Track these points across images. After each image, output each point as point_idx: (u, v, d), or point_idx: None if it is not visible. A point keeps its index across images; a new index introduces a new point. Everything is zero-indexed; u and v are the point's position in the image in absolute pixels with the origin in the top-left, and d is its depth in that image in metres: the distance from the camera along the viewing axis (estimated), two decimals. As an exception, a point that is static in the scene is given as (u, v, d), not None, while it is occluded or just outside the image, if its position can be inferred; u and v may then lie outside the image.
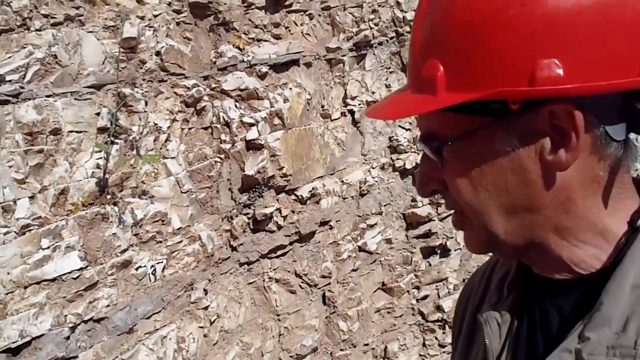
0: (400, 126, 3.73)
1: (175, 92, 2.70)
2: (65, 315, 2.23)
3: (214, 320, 2.80)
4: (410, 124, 3.75)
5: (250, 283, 3.03)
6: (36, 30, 2.26)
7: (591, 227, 0.77)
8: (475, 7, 0.72)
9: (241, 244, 2.96)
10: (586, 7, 0.68)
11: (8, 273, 2.09)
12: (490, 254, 0.90)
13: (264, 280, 3.07)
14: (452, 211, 0.87)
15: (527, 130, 0.73)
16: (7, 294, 2.08)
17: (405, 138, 3.71)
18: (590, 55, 0.68)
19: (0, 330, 2.04)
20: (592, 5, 0.68)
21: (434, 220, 3.89)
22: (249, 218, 2.98)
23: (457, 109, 0.74)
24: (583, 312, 0.76)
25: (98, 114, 2.44)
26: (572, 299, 0.80)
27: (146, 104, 2.59)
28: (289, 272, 3.19)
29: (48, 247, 2.22)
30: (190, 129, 2.78)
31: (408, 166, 3.72)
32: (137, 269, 2.50)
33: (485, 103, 0.73)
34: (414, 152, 3.76)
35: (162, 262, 2.60)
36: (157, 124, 2.63)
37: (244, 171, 2.92)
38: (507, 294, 0.88)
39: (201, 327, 2.74)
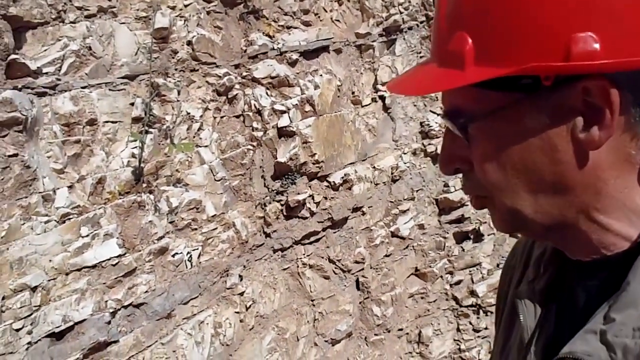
0: (431, 111, 3.71)
1: (207, 81, 2.73)
2: (106, 301, 2.28)
3: (250, 306, 2.84)
4: (441, 108, 3.72)
5: (285, 269, 3.06)
6: (70, 22, 2.30)
7: (622, 207, 0.73)
8: None
9: (275, 231, 2.99)
10: None
11: (50, 260, 2.14)
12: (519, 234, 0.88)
13: (297, 266, 3.10)
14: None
15: (559, 107, 0.69)
16: (49, 280, 2.13)
17: (436, 123, 3.69)
18: (629, 28, 0.64)
19: (45, 315, 2.10)
20: None
21: (467, 205, 3.87)
22: (282, 205, 3.00)
23: (485, 85, 0.70)
24: (609, 293, 0.73)
25: (132, 104, 2.48)
26: (599, 280, 0.77)
27: (179, 93, 2.62)
28: (323, 258, 3.21)
29: (87, 235, 2.26)
30: (222, 117, 2.81)
31: (440, 151, 3.70)
32: (173, 256, 2.54)
33: (516, 79, 0.69)
34: (446, 136, 3.74)
35: (197, 249, 2.64)
36: (189, 113, 2.66)
37: (276, 158, 2.94)
38: (543, 272, 0.86)
39: (237, 313, 2.78)
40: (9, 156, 2.10)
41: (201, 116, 2.70)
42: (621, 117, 0.68)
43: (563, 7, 0.65)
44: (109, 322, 2.28)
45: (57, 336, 2.14)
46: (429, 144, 3.71)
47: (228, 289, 2.76)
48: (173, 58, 2.60)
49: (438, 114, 3.72)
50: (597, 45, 0.64)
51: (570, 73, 0.66)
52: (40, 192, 2.17)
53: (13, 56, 2.10)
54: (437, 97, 3.70)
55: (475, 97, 0.73)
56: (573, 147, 0.70)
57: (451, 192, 3.79)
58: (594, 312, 0.74)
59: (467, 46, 0.71)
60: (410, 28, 3.57)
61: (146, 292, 2.41)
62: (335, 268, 3.26)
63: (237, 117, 2.86)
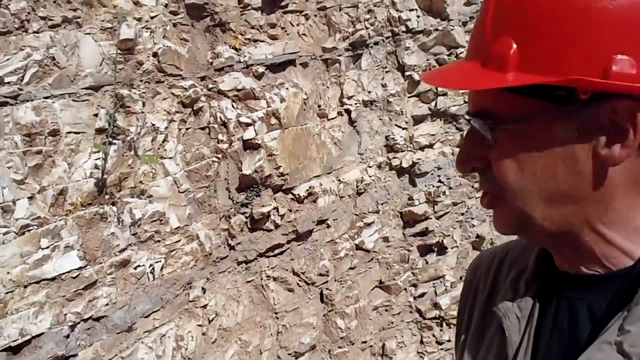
0: (396, 125, 3.75)
1: (172, 93, 2.72)
2: (65, 314, 2.25)
3: (213, 319, 2.83)
4: (406, 122, 3.77)
5: (249, 281, 3.05)
6: (34, 32, 2.28)
7: (626, 224, 0.79)
8: None
9: (239, 243, 2.98)
10: None
11: (8, 272, 2.11)
12: (515, 236, 0.92)
13: (261, 279, 3.10)
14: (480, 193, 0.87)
15: (587, 121, 0.74)
16: (7, 293, 2.10)
17: (401, 137, 3.73)
18: None
19: (1, 329, 2.06)
20: None
21: (431, 218, 3.92)
22: (246, 217, 3.00)
23: (521, 90, 0.74)
24: (616, 307, 0.78)
25: (96, 115, 2.46)
26: (604, 294, 0.81)
27: (144, 104, 2.61)
28: (287, 270, 3.21)
29: (47, 247, 2.24)
30: (187, 129, 2.80)
31: (405, 165, 3.74)
32: (135, 268, 2.52)
33: (552, 89, 0.73)
34: (410, 150, 3.79)
35: (160, 261, 2.63)
36: (154, 125, 2.65)
37: (241, 171, 2.94)
38: (525, 289, 0.90)
39: (200, 326, 2.77)
40: (-32, 166, 2.07)
41: (166, 128, 2.70)
42: (638, 140, 0.74)
43: (608, 29, 0.70)
44: (68, 336, 2.25)
45: (13, 350, 2.10)
46: (394, 158, 3.74)
47: (191, 301, 2.75)
48: (138, 69, 2.59)
49: (403, 128, 3.77)
50: (633, 70, 0.70)
51: (607, 90, 0.71)
52: (-1, 203, 2.15)
53: (-27, 65, 2.07)
54: (402, 111, 3.75)
55: (507, 101, 0.77)
56: (593, 161, 0.75)
57: (415, 206, 3.83)
58: (601, 325, 0.79)
59: (512, 51, 0.74)
60: (376, 43, 3.61)
61: (107, 305, 2.39)
62: (300, 281, 3.26)
63: (203, 129, 2.86)
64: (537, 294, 0.88)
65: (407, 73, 3.73)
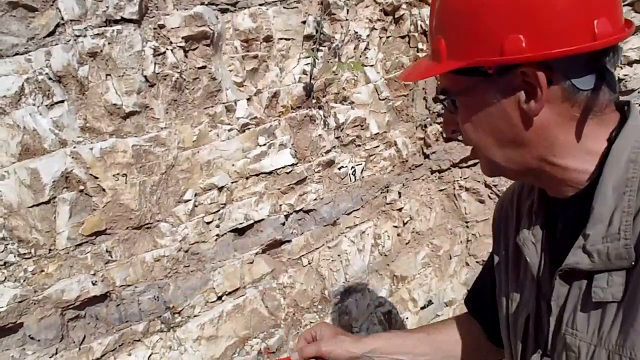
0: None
1: (375, 0, 2.77)
2: (280, 205, 2.46)
3: (407, 222, 2.94)
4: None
5: (441, 190, 3.11)
6: (253, -58, 2.41)
7: (576, 152, 0.99)
8: None
9: (433, 152, 3.03)
10: None
11: (233, 165, 2.33)
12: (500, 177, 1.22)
13: (454, 188, 3.14)
14: None
15: (507, 86, 0.96)
16: (232, 182, 2.33)
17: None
18: (547, 28, 0.90)
19: (229, 212, 2.31)
20: None
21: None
22: (442, 127, 3.03)
23: (457, 72, 0.99)
24: (585, 216, 0.98)
25: (304, 22, 2.58)
26: (582, 208, 1.01)
27: (348, 12, 2.69)
28: (479, 182, 3.22)
29: (264, 144, 2.43)
30: (388, 37, 2.85)
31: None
32: (339, 169, 2.67)
33: (476, 67, 0.97)
34: (617, 66, 3.54)
35: (361, 164, 2.76)
36: (357, 32, 2.73)
37: (439, 80, 2.95)
38: (535, 218, 1.13)
39: (395, 227, 2.89)
40: (199, 68, 2.28)
41: (368, 36, 2.76)
42: (557, 91, 0.94)
43: (498, 17, 0.92)
44: (283, 224, 2.47)
45: (239, 232, 2.35)
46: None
47: (388, 204, 2.87)
48: (344, -23, 2.65)
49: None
50: (523, 44, 0.91)
51: (504, 64, 0.94)
52: (223, 103, 2.35)
53: (204, -27, 2.25)
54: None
55: (454, 81, 1.04)
56: (520, 114, 0.98)
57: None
58: (574, 233, 1.00)
59: (442, 46, 1.01)
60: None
61: (315, 199, 2.57)
62: (491, 193, 3.26)
63: (403, 37, 2.89)
64: (544, 218, 1.11)
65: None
